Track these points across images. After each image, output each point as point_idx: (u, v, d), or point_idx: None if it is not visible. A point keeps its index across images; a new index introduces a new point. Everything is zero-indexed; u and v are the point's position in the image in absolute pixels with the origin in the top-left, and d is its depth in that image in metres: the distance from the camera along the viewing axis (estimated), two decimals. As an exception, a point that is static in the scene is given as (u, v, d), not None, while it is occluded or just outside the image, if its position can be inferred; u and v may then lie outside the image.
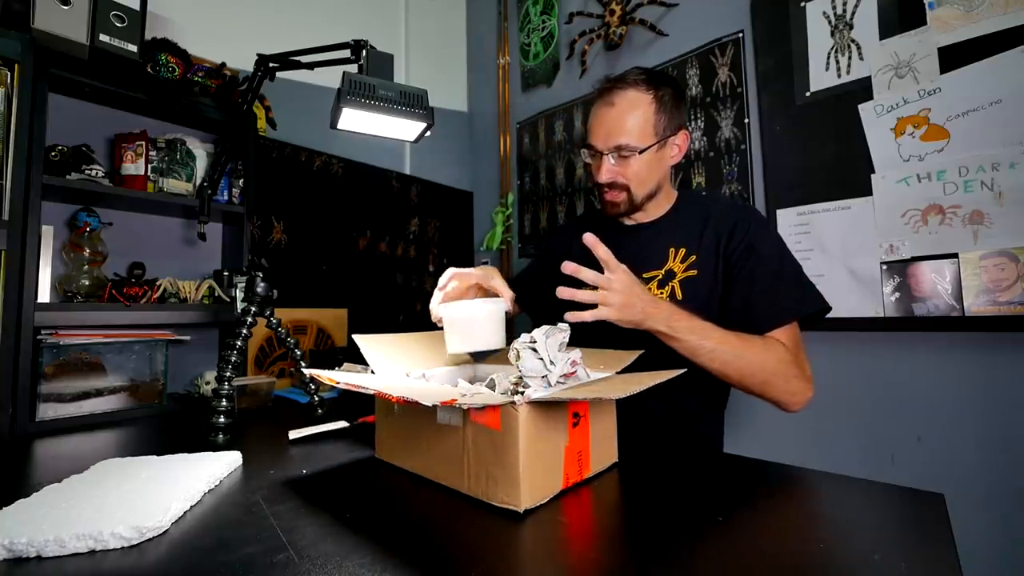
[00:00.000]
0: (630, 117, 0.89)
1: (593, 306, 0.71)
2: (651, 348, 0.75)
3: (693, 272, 0.90)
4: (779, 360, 0.79)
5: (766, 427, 1.35)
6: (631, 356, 0.71)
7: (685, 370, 0.61)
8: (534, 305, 1.15)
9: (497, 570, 0.40)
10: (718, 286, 0.88)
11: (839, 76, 1.25)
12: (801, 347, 0.84)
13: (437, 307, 0.80)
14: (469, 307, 0.76)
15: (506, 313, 0.80)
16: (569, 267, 0.69)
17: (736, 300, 0.86)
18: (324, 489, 0.59)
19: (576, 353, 0.64)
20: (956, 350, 1.09)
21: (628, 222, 1.01)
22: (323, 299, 1.70)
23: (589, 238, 0.71)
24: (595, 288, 0.72)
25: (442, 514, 0.51)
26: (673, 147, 0.95)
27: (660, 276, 0.93)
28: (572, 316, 0.69)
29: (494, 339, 0.76)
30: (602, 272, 0.72)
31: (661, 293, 0.91)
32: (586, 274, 0.70)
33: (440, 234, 2.14)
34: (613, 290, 0.70)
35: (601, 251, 0.71)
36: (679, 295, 0.90)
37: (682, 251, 0.93)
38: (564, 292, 0.70)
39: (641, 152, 0.90)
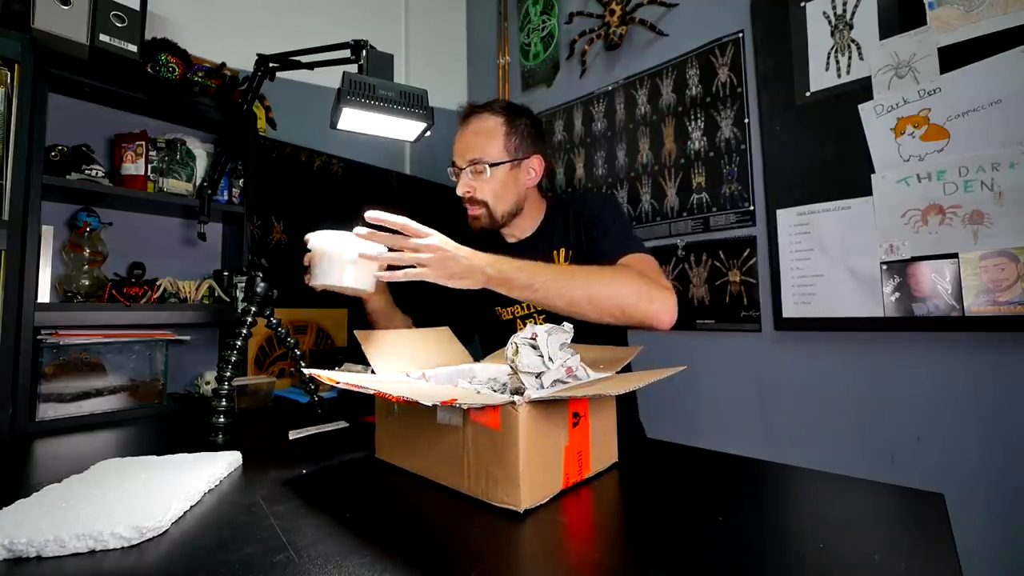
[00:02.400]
0: (483, 135, 0.99)
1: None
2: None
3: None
4: (629, 279, 0.78)
5: (766, 427, 1.35)
6: (631, 354, 0.71)
7: (686, 367, 0.61)
8: (423, 310, 1.17)
9: (497, 570, 0.40)
10: None
11: (839, 76, 1.25)
12: (658, 271, 0.87)
13: (309, 236, 0.77)
14: (341, 236, 0.73)
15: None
16: (372, 215, 0.69)
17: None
18: (324, 489, 0.59)
19: (576, 359, 0.63)
20: (956, 350, 1.09)
21: (510, 240, 1.09)
22: (323, 299, 1.69)
23: (372, 214, 0.69)
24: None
25: (442, 514, 0.51)
26: (529, 170, 1.03)
27: None
28: (385, 276, 0.71)
29: (364, 278, 0.74)
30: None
31: None
32: (390, 219, 0.69)
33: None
34: (429, 247, 0.70)
35: (398, 221, 0.70)
36: None
37: (562, 251, 1.01)
38: (386, 277, 0.72)
39: (492, 166, 0.98)
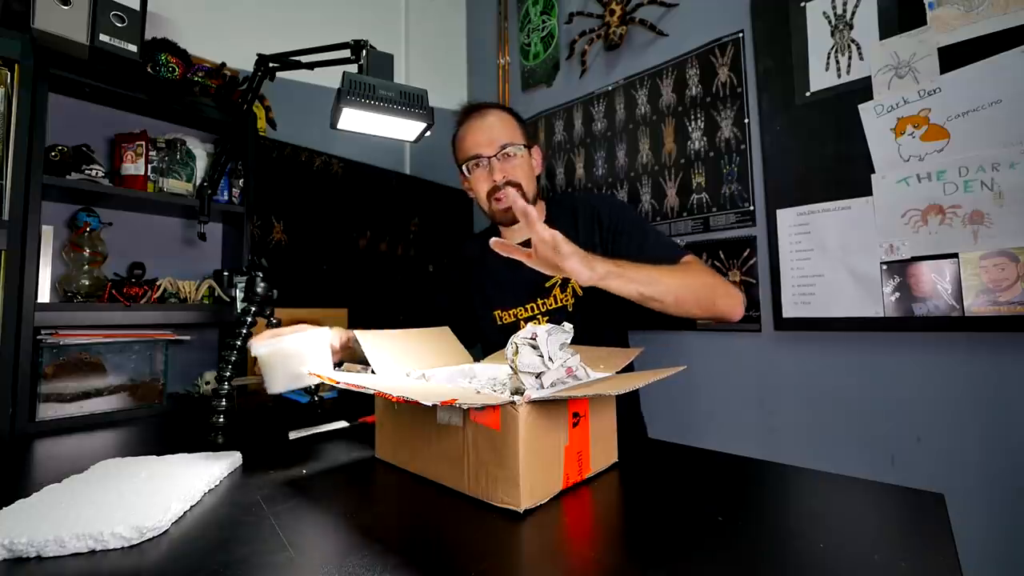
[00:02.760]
0: (505, 123, 1.03)
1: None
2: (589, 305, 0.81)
3: None
4: (713, 277, 0.85)
5: (766, 427, 1.35)
6: (631, 355, 0.71)
7: (685, 367, 0.61)
8: (424, 315, 1.19)
9: (497, 570, 0.40)
10: None
11: (839, 76, 1.25)
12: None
13: (252, 344, 0.77)
14: (290, 341, 0.73)
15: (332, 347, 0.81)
16: (497, 243, 0.68)
17: None
18: (324, 489, 0.59)
19: (576, 359, 0.63)
20: (956, 350, 1.09)
21: (514, 239, 1.09)
22: (323, 299, 1.70)
23: (497, 242, 0.69)
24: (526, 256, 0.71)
25: (442, 514, 0.51)
26: (534, 159, 1.08)
27: (559, 280, 1.00)
28: (496, 244, 0.67)
29: (321, 369, 0.74)
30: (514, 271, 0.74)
31: (565, 295, 1.00)
32: (517, 252, 0.69)
33: (440, 234, 2.14)
34: (564, 243, 0.68)
35: (532, 215, 0.67)
36: (579, 291, 0.98)
37: None
38: (496, 243, 0.68)
39: (524, 147, 1.02)
